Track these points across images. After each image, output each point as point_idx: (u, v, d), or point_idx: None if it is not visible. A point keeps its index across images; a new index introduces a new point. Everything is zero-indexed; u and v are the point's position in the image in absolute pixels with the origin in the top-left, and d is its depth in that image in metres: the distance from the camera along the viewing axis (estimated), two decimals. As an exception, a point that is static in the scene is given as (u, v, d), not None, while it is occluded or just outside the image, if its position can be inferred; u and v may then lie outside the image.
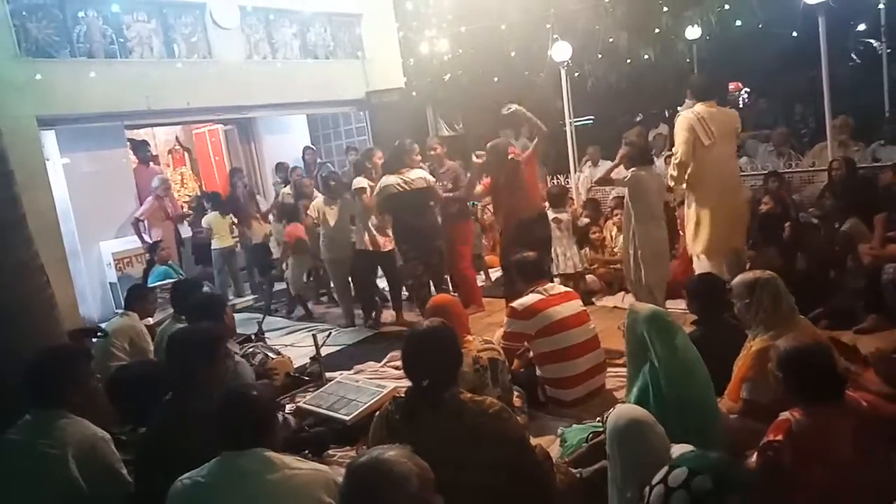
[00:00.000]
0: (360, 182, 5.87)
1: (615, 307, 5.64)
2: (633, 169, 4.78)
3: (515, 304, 3.88)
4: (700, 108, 4.78)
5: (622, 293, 5.93)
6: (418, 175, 5.60)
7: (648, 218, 4.74)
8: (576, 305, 3.93)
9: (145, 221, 7.56)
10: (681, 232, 6.31)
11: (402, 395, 2.32)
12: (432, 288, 5.86)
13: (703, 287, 3.65)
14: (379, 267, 6.22)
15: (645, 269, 4.79)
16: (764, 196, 6.03)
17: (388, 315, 6.29)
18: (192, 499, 1.96)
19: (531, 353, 3.95)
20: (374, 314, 6.25)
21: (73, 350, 2.82)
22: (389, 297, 6.32)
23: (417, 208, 5.58)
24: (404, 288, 6.22)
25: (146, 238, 7.46)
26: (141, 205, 7.77)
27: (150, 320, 4.87)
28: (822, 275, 4.94)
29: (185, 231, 8.29)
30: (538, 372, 3.89)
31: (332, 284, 6.91)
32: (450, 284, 6.09)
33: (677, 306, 4.68)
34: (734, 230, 4.90)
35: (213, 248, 7.60)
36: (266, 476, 1.93)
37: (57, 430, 2.38)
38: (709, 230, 4.76)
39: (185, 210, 8.48)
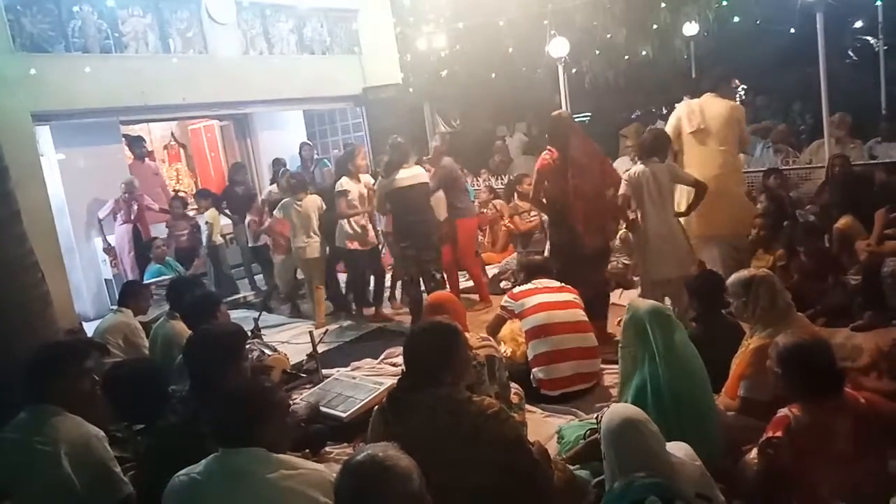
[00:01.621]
0: (344, 184, 5.93)
1: (613, 304, 5.62)
2: (638, 164, 4.69)
3: (513, 289, 4.30)
4: (702, 98, 5.10)
5: (620, 290, 5.93)
6: (418, 171, 5.65)
7: (653, 213, 4.55)
8: (567, 296, 4.14)
9: (111, 220, 7.39)
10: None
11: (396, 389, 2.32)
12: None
13: (701, 284, 3.65)
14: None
15: (648, 266, 4.65)
16: (760, 195, 6.02)
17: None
18: (188, 496, 1.94)
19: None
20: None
21: (68, 347, 2.79)
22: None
23: (415, 204, 5.59)
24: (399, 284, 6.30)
25: (106, 240, 7.36)
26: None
27: (145, 317, 4.85)
28: (820, 272, 4.93)
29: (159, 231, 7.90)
30: (528, 354, 3.99)
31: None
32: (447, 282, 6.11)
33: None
34: (718, 219, 4.85)
35: (210, 244, 7.54)
36: (263, 475, 1.90)
37: (51, 427, 2.36)
38: (691, 216, 4.76)
39: (166, 209, 8.04)
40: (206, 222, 7.55)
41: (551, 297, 4.09)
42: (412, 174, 5.56)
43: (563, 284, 4.24)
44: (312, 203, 6.17)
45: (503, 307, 4.24)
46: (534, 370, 3.94)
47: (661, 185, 4.56)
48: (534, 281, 4.24)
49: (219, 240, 7.60)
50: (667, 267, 4.54)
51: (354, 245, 6.03)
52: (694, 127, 4.98)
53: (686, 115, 5.06)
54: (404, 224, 5.64)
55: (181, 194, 9.13)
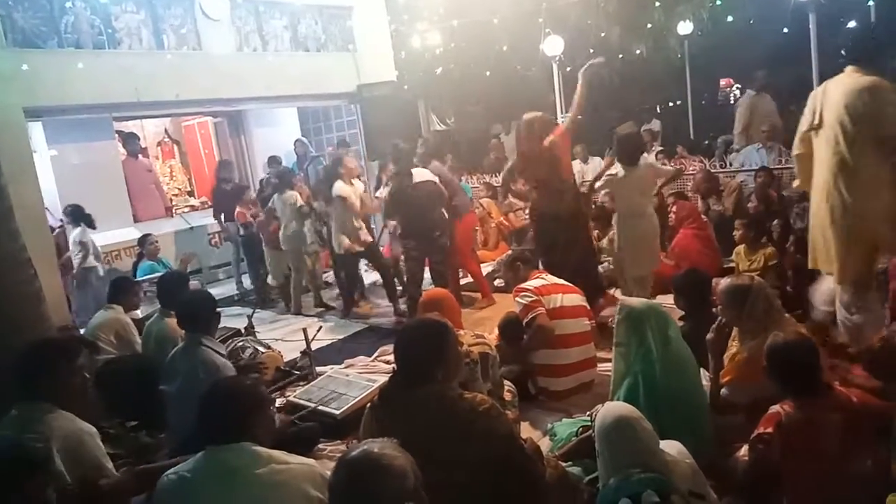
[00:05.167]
0: (343, 190, 5.95)
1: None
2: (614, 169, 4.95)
3: (525, 284, 4.02)
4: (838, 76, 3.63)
5: (613, 289, 5.94)
6: (423, 171, 5.71)
7: (627, 216, 4.88)
8: (576, 298, 4.04)
9: None
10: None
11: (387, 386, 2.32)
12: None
13: (689, 282, 3.67)
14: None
15: (625, 266, 5.00)
16: (751, 195, 6.06)
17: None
18: (178, 494, 1.95)
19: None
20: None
21: (59, 344, 2.79)
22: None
23: (421, 205, 5.62)
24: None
25: None
26: (130, 197, 7.67)
27: (138, 314, 4.83)
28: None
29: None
30: (531, 359, 3.92)
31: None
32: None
33: (665, 301, 4.70)
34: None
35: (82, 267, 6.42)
36: (253, 470, 1.91)
37: (43, 424, 2.36)
38: None
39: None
40: (80, 241, 6.35)
41: (564, 301, 3.95)
42: (417, 173, 5.62)
43: (568, 284, 4.11)
44: (291, 197, 6.59)
45: (529, 304, 3.87)
46: (538, 378, 3.90)
47: (642, 192, 4.87)
48: (538, 276, 4.10)
49: (92, 262, 6.44)
50: (641, 267, 4.96)
51: (354, 247, 6.07)
52: (807, 124, 3.53)
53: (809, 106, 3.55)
54: (410, 224, 5.67)
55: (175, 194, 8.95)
